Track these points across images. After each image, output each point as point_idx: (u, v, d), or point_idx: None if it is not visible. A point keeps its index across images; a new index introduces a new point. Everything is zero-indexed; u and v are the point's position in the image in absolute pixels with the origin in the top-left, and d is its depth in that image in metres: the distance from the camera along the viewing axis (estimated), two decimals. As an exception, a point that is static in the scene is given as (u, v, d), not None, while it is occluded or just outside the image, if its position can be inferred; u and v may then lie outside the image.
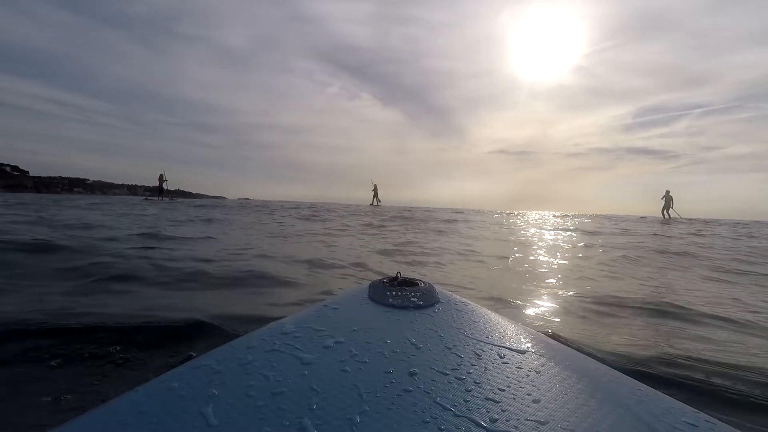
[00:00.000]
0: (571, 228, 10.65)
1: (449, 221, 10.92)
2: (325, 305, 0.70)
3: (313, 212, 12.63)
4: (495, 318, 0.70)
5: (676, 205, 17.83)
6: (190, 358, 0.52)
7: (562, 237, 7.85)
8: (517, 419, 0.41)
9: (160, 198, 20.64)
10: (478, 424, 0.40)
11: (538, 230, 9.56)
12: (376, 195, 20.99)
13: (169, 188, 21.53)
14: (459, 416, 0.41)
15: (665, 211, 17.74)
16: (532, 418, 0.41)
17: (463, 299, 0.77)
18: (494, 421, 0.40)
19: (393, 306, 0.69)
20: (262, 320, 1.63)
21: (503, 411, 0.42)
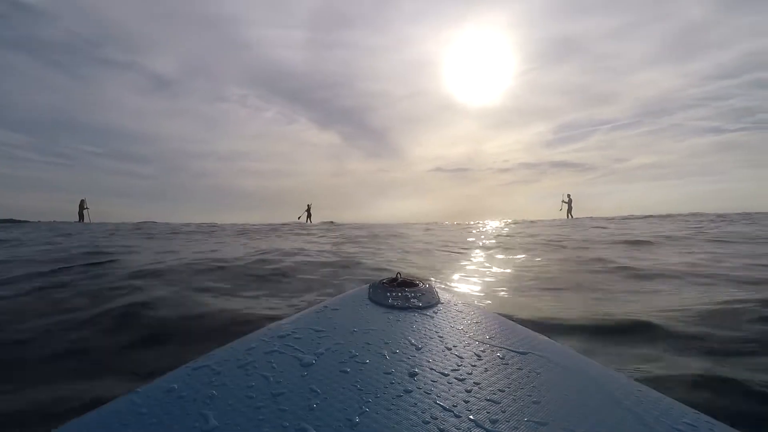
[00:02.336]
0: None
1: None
2: (326, 306, 0.70)
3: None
4: (495, 319, 0.70)
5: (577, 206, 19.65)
6: (190, 359, 0.52)
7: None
8: (518, 420, 0.41)
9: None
10: (479, 425, 0.40)
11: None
12: (309, 215, 20.85)
13: (90, 219, 18.04)
14: (459, 417, 0.41)
15: (569, 213, 19.34)
16: (533, 419, 0.42)
17: (464, 300, 0.78)
18: (495, 422, 0.40)
19: (393, 307, 0.70)
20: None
21: (503, 412, 0.42)
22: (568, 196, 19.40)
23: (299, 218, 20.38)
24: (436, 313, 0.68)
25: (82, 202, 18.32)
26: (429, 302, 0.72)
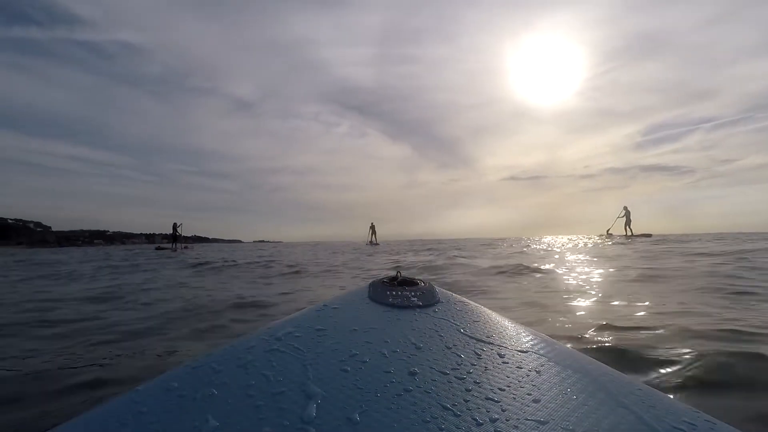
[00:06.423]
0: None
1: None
2: (326, 305, 0.71)
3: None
4: (495, 318, 0.70)
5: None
6: (189, 358, 0.53)
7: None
8: (517, 419, 0.41)
9: (173, 246, 19.27)
10: (478, 424, 0.40)
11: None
12: (374, 233, 20.81)
13: (183, 234, 20.21)
14: (459, 416, 0.41)
15: (627, 227, 17.70)
16: (532, 417, 0.42)
17: (463, 299, 0.78)
18: (494, 420, 0.40)
19: (393, 306, 0.70)
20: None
21: (503, 411, 0.42)
22: (625, 208, 17.66)
23: (367, 243, 19.95)
24: (436, 311, 0.69)
25: (175, 224, 19.26)
26: (429, 301, 0.72)
